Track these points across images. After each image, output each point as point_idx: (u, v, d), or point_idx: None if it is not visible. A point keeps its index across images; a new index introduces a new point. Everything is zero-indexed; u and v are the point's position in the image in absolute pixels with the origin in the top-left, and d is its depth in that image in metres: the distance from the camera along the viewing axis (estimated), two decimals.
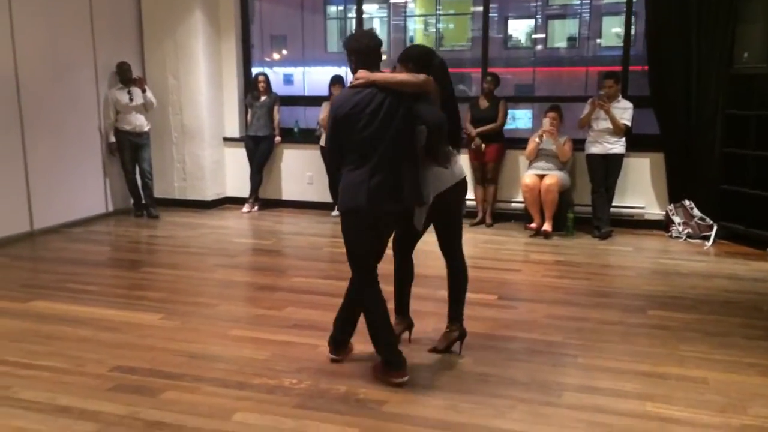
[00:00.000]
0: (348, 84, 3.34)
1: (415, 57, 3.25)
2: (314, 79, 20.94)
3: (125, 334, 3.74)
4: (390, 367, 3.14)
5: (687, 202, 6.13)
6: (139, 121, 6.88)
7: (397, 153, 3.07)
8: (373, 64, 3.13)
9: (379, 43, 3.17)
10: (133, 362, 3.36)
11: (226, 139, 7.65)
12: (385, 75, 3.11)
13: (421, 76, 3.08)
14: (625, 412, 2.85)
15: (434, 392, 3.04)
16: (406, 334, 3.61)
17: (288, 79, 20.99)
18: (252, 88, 7.32)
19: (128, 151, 6.90)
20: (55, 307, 4.21)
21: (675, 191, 6.26)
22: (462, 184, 3.38)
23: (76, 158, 6.59)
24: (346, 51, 3.19)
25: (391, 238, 3.41)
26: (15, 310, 4.15)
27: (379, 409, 2.88)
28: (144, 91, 6.82)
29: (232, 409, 2.87)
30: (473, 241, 6.11)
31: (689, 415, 2.83)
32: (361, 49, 3.13)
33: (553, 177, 6.09)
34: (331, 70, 8.10)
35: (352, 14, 21.58)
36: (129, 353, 3.47)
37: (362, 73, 3.09)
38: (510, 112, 6.77)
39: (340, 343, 3.39)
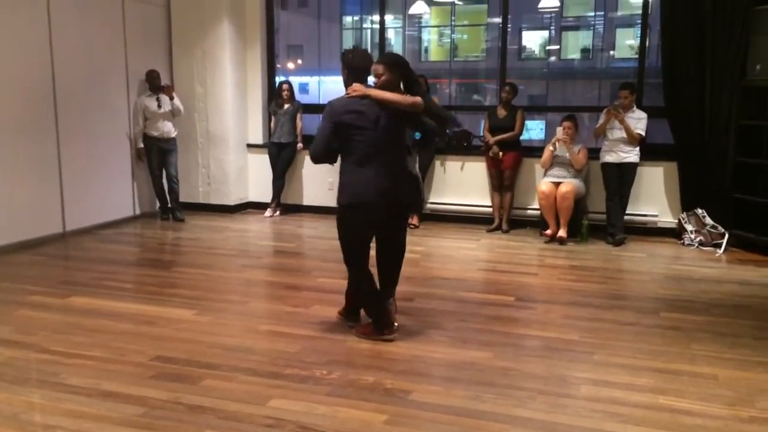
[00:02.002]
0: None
1: (399, 64, 3.73)
2: (329, 88, 21.26)
3: (162, 328, 3.95)
4: (380, 326, 3.75)
5: (699, 211, 6.27)
6: (167, 128, 7.12)
7: (395, 156, 3.66)
8: (364, 79, 3.67)
9: (371, 62, 3.72)
10: (172, 353, 3.56)
11: (249, 146, 7.88)
12: (378, 92, 3.59)
13: (410, 98, 3.61)
14: (639, 404, 3.01)
15: (458, 384, 3.22)
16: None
17: (303, 88, 21.31)
18: (276, 96, 7.56)
19: (156, 156, 7.15)
20: (94, 302, 4.42)
21: (688, 200, 6.41)
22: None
23: (106, 162, 6.84)
24: (342, 64, 3.71)
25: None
26: (56, 305, 4.38)
27: (405, 398, 3.06)
28: (172, 98, 7.07)
29: (268, 396, 3.06)
30: (490, 246, 6.30)
31: (700, 407, 2.99)
32: (358, 66, 3.67)
33: (569, 185, 6.26)
34: None
35: (368, 25, 21.96)
36: (167, 345, 3.68)
37: (358, 86, 3.59)
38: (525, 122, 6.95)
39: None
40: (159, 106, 7.02)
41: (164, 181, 7.28)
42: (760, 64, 5.86)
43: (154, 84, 7.05)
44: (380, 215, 3.64)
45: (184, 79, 7.59)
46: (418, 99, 3.61)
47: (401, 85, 3.69)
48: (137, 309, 4.29)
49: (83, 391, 3.10)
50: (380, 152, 3.58)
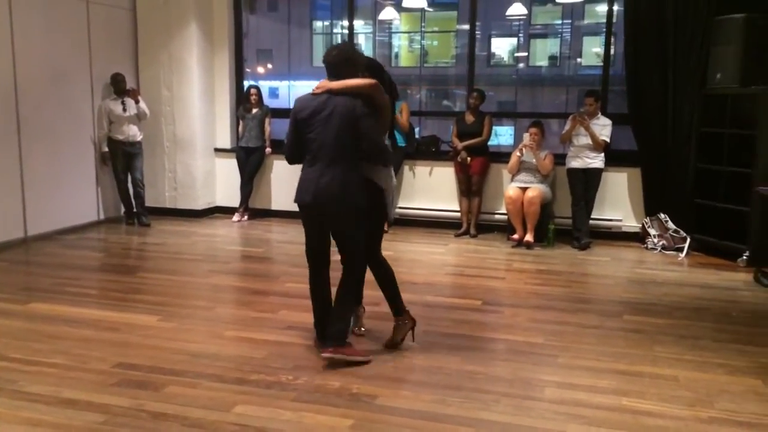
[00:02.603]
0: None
1: (372, 66, 3.64)
2: (300, 93, 21.13)
3: (126, 334, 3.88)
4: (320, 341, 3.62)
5: (662, 216, 6.40)
6: (132, 131, 7.02)
7: (344, 156, 3.41)
8: (338, 74, 3.44)
9: (342, 56, 3.47)
10: (134, 360, 3.50)
11: (217, 150, 7.81)
12: (338, 82, 3.43)
13: (370, 80, 3.42)
14: (602, 405, 3.06)
15: (424, 388, 3.23)
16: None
17: (273, 93, 21.21)
18: (244, 100, 7.52)
19: (121, 160, 7.04)
20: (55, 308, 4.34)
21: (651, 205, 6.53)
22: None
23: (69, 166, 6.71)
24: None
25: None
26: (16, 312, 4.28)
27: (372, 403, 3.06)
28: (137, 101, 6.98)
29: (232, 402, 3.03)
30: (458, 250, 6.33)
31: (661, 408, 3.04)
32: (327, 61, 3.50)
33: (536, 190, 6.33)
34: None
35: (338, 30, 21.97)
36: (130, 351, 3.62)
37: (322, 82, 3.48)
38: (493, 128, 7.01)
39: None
40: (124, 110, 6.93)
41: (129, 185, 7.18)
42: (720, 72, 6.00)
43: (119, 87, 6.95)
44: (323, 220, 3.51)
45: (150, 83, 7.50)
46: (377, 83, 3.43)
47: None
48: (100, 315, 4.21)
49: (42, 399, 3.04)
50: (328, 152, 3.41)
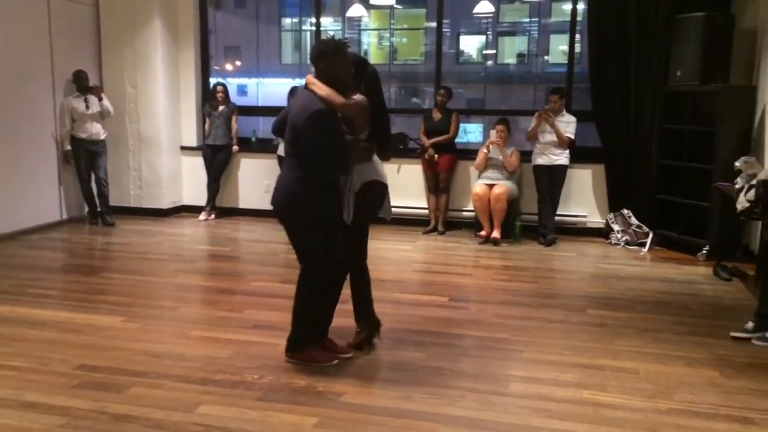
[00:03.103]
0: None
1: (352, 62, 3.41)
2: (269, 90, 21.01)
3: (88, 336, 3.83)
4: None
5: (625, 211, 6.51)
6: (96, 129, 6.91)
7: (294, 162, 3.28)
8: (319, 71, 3.29)
9: (315, 51, 3.32)
10: (97, 361, 3.45)
11: (183, 148, 7.72)
12: (319, 86, 3.25)
13: (345, 102, 3.24)
14: (564, 399, 3.11)
15: (390, 385, 3.24)
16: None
17: (242, 90, 21.01)
18: (210, 97, 7.44)
19: (84, 159, 6.92)
20: (16, 310, 4.25)
21: (614, 201, 6.64)
22: (369, 185, 3.58)
23: (31, 166, 6.57)
24: None
25: None
26: None
27: (337, 400, 3.06)
28: (100, 99, 6.87)
29: (197, 403, 3.01)
30: (426, 247, 6.37)
31: (621, 400, 3.10)
32: (310, 59, 3.39)
33: (502, 187, 6.39)
34: (286, 82, 8.25)
35: (307, 27, 21.86)
36: (93, 353, 3.57)
37: (309, 78, 3.34)
38: (462, 125, 7.04)
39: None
40: (87, 107, 6.81)
41: (93, 184, 7.06)
42: (680, 70, 6.11)
43: (81, 84, 6.83)
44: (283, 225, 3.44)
45: (114, 80, 7.38)
46: (351, 105, 3.28)
47: (362, 86, 3.46)
48: (62, 317, 4.14)
49: (3, 403, 2.99)
50: (288, 154, 3.37)
